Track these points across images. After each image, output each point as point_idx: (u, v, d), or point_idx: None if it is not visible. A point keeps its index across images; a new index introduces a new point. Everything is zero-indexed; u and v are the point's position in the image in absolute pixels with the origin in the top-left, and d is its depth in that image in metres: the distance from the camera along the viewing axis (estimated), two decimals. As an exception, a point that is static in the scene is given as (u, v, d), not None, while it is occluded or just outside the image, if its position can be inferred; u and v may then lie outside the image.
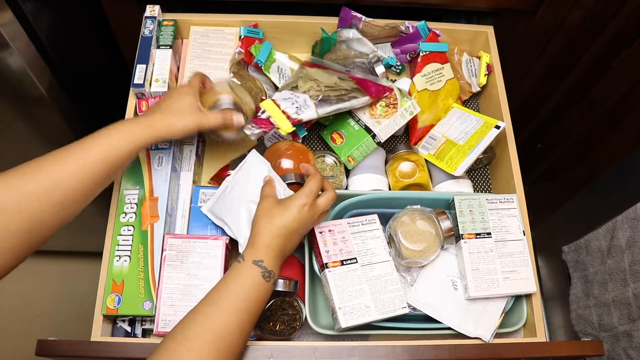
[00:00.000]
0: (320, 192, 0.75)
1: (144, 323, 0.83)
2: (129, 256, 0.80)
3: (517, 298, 0.83)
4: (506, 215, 0.84)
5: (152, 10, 0.97)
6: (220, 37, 1.01)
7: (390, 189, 0.93)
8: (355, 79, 0.89)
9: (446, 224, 0.82)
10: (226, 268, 0.81)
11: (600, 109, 1.14)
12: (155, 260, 0.80)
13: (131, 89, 0.92)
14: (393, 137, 1.00)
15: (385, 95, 0.90)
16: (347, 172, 0.94)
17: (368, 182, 0.91)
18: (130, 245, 0.80)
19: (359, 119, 0.91)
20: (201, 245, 0.80)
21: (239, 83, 0.94)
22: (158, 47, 0.96)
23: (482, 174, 1.02)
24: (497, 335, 0.80)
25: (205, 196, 0.88)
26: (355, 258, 0.79)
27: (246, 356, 0.73)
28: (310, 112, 0.85)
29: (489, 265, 0.80)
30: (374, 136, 0.90)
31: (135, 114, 0.92)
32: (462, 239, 0.81)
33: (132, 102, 0.94)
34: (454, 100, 1.00)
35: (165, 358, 0.60)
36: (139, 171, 0.85)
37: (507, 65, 1.05)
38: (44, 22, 0.96)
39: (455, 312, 0.80)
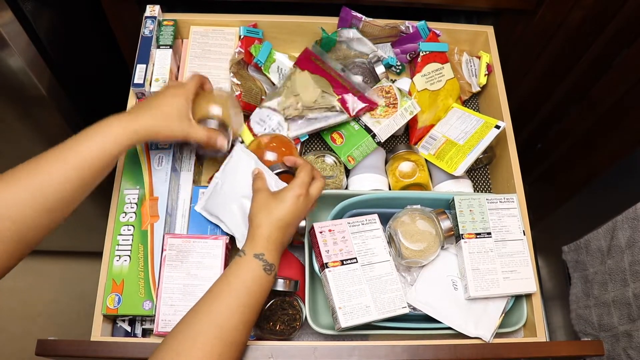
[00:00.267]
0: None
1: (144, 323, 0.83)
2: (129, 256, 0.80)
3: (517, 298, 0.83)
4: (506, 215, 0.84)
5: (152, 10, 0.97)
6: (220, 37, 1.01)
7: (390, 189, 0.93)
8: (340, 91, 0.87)
9: (446, 223, 0.82)
10: (226, 267, 0.81)
11: (600, 109, 1.14)
12: (155, 260, 0.80)
13: (131, 88, 0.92)
14: (393, 137, 1.00)
15: (367, 110, 0.89)
16: (347, 172, 0.94)
17: (368, 182, 0.91)
18: (130, 245, 0.80)
19: (359, 119, 0.91)
20: (201, 245, 0.80)
21: (239, 83, 0.94)
22: (158, 47, 0.96)
23: (482, 173, 1.02)
24: (497, 335, 0.80)
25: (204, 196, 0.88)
26: (356, 258, 0.79)
27: (246, 356, 0.73)
28: (283, 133, 0.90)
29: (489, 265, 0.80)
30: (373, 136, 0.90)
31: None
32: (462, 238, 0.81)
33: (132, 102, 0.94)
34: (454, 100, 1.00)
35: (170, 355, 0.61)
36: (139, 171, 0.85)
37: (507, 65, 1.05)
38: (44, 22, 0.96)
39: (456, 312, 0.80)
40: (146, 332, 0.83)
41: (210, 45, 1.01)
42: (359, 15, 1.00)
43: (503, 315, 0.80)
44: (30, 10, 0.91)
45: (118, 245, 0.81)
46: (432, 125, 0.99)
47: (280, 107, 0.92)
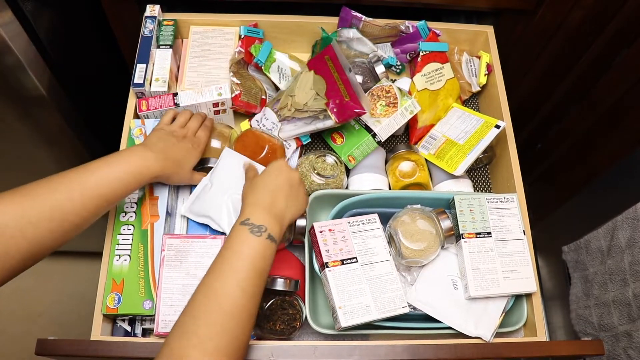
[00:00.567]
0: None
1: (144, 322, 0.83)
2: (129, 255, 0.80)
3: (518, 297, 0.83)
4: (506, 215, 0.84)
5: (152, 10, 0.98)
6: (220, 36, 1.02)
7: (390, 189, 0.93)
8: (332, 95, 0.87)
9: (446, 223, 0.82)
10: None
11: (600, 109, 1.14)
12: (155, 260, 0.80)
13: (131, 88, 0.92)
14: (393, 137, 1.00)
15: (353, 116, 0.87)
16: (348, 172, 0.94)
17: (368, 181, 0.91)
18: (130, 244, 0.80)
19: (359, 119, 0.91)
20: (200, 244, 0.80)
21: (239, 82, 0.94)
22: (158, 46, 0.97)
23: (482, 173, 1.02)
24: (498, 334, 0.80)
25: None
26: (356, 257, 0.79)
27: (246, 356, 0.72)
28: (274, 133, 0.93)
29: (489, 265, 0.80)
30: (374, 135, 0.90)
31: (135, 113, 0.92)
32: (463, 238, 0.81)
33: (132, 101, 0.94)
34: (454, 100, 1.00)
35: (178, 335, 0.60)
36: (139, 171, 0.85)
37: (507, 65, 1.05)
38: (44, 22, 0.96)
39: (456, 312, 0.80)
40: (146, 332, 0.83)
41: (210, 45, 1.01)
42: (359, 15, 1.00)
43: (503, 314, 0.80)
44: (30, 10, 0.91)
45: (118, 244, 0.81)
46: (432, 125, 0.99)
47: (277, 107, 0.92)
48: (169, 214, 0.85)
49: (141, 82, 0.91)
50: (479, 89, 1.04)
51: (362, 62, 0.98)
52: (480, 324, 0.79)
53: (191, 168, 0.82)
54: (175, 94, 0.91)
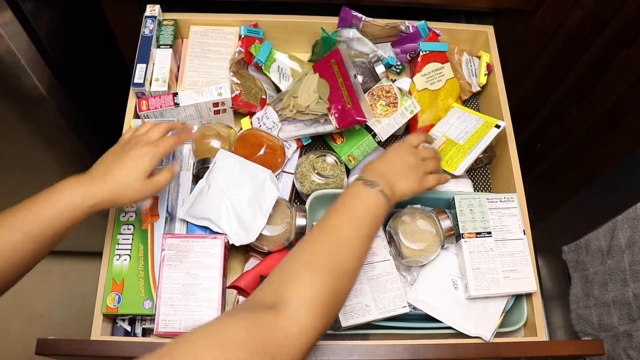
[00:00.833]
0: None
1: (144, 322, 0.82)
2: (129, 255, 0.80)
3: (518, 297, 0.83)
4: (506, 215, 0.84)
5: (152, 9, 0.98)
6: (220, 36, 1.02)
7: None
8: (334, 100, 0.87)
9: (446, 223, 0.82)
10: (225, 267, 0.81)
11: (600, 108, 1.14)
12: (156, 259, 0.80)
13: (131, 88, 0.92)
14: (393, 137, 1.00)
15: (354, 124, 0.87)
16: (348, 172, 0.94)
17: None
18: (130, 244, 0.80)
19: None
20: (200, 244, 0.80)
21: (239, 82, 0.94)
22: (158, 46, 0.97)
23: (482, 173, 1.02)
24: (498, 334, 0.80)
25: (205, 196, 0.88)
26: (356, 257, 0.79)
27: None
28: (274, 132, 0.92)
29: (489, 265, 0.80)
30: (374, 135, 0.90)
31: (135, 113, 0.92)
32: (463, 238, 0.81)
33: (132, 101, 0.94)
34: (454, 100, 1.00)
35: (292, 256, 0.63)
36: (139, 170, 0.85)
37: (507, 65, 1.05)
38: (44, 22, 0.96)
39: (456, 312, 0.80)
40: (146, 332, 0.83)
41: (210, 45, 1.01)
42: (359, 15, 1.00)
43: (503, 314, 0.80)
44: (30, 10, 0.91)
45: (118, 244, 0.81)
46: (432, 125, 0.99)
47: (279, 107, 0.92)
48: (169, 214, 0.85)
49: (141, 82, 0.91)
50: (479, 89, 1.04)
51: (362, 62, 0.98)
52: (481, 323, 0.79)
53: (139, 181, 0.71)
54: (175, 94, 0.91)
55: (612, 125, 1.13)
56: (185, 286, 0.78)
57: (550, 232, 1.50)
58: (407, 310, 0.77)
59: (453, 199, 0.84)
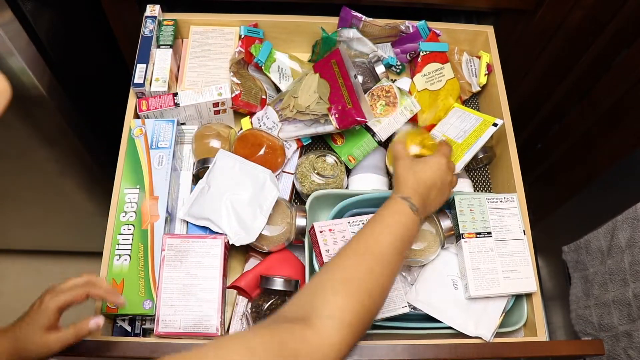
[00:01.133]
0: None
1: (144, 322, 0.82)
2: (129, 255, 0.80)
3: (518, 297, 0.83)
4: (506, 215, 0.84)
5: (152, 9, 0.98)
6: (220, 36, 1.02)
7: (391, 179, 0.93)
8: (335, 101, 0.87)
9: (446, 223, 0.82)
10: (225, 267, 0.81)
11: (600, 109, 1.14)
12: (156, 260, 0.80)
13: (131, 88, 0.92)
14: (393, 137, 1.00)
15: (354, 124, 0.87)
16: (348, 172, 0.94)
17: (368, 181, 0.91)
18: (131, 244, 0.80)
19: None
20: (200, 244, 0.80)
21: (239, 82, 0.94)
22: (158, 46, 0.97)
23: (482, 173, 1.02)
24: (498, 334, 0.80)
25: (205, 196, 0.88)
26: (356, 257, 0.79)
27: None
28: (274, 132, 0.92)
29: (490, 265, 0.80)
30: (373, 135, 0.90)
31: (135, 113, 0.92)
32: (463, 238, 0.81)
33: (132, 101, 0.94)
34: (454, 100, 1.00)
35: (323, 271, 0.63)
36: (139, 170, 0.85)
37: (507, 65, 1.05)
38: (44, 22, 0.96)
39: (456, 312, 0.80)
40: (146, 332, 0.83)
41: (210, 45, 1.01)
42: (359, 15, 1.00)
43: (503, 314, 0.80)
44: (30, 10, 0.91)
45: (118, 244, 0.80)
46: (432, 125, 0.99)
47: (279, 107, 0.92)
48: (169, 214, 0.85)
49: (141, 82, 0.91)
50: (479, 89, 1.04)
51: (362, 62, 0.98)
52: (480, 323, 0.79)
53: (40, 331, 0.68)
54: (175, 94, 0.91)
55: (612, 125, 1.13)
56: (185, 286, 0.78)
57: (550, 232, 1.50)
58: (407, 310, 0.77)
59: (453, 199, 0.84)
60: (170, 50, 0.96)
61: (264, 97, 0.97)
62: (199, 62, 0.99)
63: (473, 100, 1.08)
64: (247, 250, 0.88)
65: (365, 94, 0.93)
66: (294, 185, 0.93)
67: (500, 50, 1.04)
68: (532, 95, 1.28)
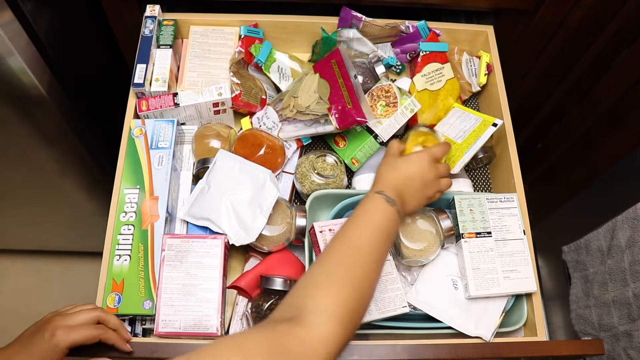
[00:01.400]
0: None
1: (144, 322, 0.82)
2: (129, 255, 0.80)
3: (518, 297, 0.83)
4: (506, 215, 0.84)
5: (152, 9, 0.98)
6: (220, 36, 1.02)
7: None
8: (335, 101, 0.87)
9: (446, 223, 0.82)
10: (225, 267, 0.81)
11: (600, 109, 1.14)
12: (156, 260, 0.80)
13: (131, 88, 0.92)
14: (394, 137, 1.00)
15: (354, 124, 0.87)
16: (350, 172, 0.95)
17: (368, 181, 0.91)
18: (131, 244, 0.80)
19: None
20: (200, 244, 0.80)
21: (239, 82, 0.94)
22: (158, 46, 0.97)
23: (482, 173, 1.02)
24: (498, 334, 0.80)
25: (205, 196, 0.88)
26: (356, 257, 0.79)
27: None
28: (274, 132, 0.93)
29: (490, 265, 0.80)
30: (375, 137, 0.90)
31: (135, 113, 0.92)
32: (463, 238, 0.81)
33: (132, 101, 0.94)
34: (454, 100, 1.00)
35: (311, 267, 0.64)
36: (139, 171, 0.85)
37: (507, 65, 1.05)
38: (44, 22, 0.96)
39: (456, 312, 0.80)
40: (146, 332, 0.83)
41: (210, 45, 1.01)
42: (359, 15, 1.00)
43: (503, 314, 0.80)
44: (30, 10, 0.91)
45: (118, 244, 0.80)
46: (432, 125, 0.99)
47: (279, 107, 0.92)
48: (169, 214, 0.85)
49: (141, 82, 0.91)
50: (479, 89, 1.04)
51: (362, 62, 0.98)
52: (480, 323, 0.79)
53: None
54: (175, 94, 0.91)
55: (612, 125, 1.13)
56: (185, 286, 0.78)
57: (550, 232, 1.50)
58: (407, 310, 0.77)
59: (453, 199, 0.84)
60: (170, 50, 0.96)
61: (264, 97, 0.97)
62: (199, 62, 0.99)
63: (473, 100, 1.08)
64: (247, 250, 0.88)
65: (365, 94, 0.93)
66: (294, 185, 0.93)
67: (500, 50, 1.04)
68: (532, 95, 1.28)
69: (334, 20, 1.02)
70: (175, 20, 1.00)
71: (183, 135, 0.94)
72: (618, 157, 1.14)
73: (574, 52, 1.12)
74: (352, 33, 0.99)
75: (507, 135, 0.95)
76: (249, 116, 0.96)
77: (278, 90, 1.00)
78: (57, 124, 1.08)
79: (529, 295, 0.83)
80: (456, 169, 0.89)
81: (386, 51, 1.05)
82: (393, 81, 0.96)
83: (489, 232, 0.82)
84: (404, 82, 1.00)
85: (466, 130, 0.93)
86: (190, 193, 0.88)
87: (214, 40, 1.01)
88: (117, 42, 1.12)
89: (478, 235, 0.82)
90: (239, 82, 0.94)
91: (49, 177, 1.25)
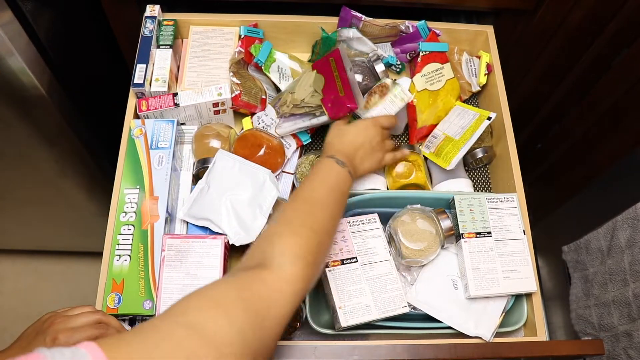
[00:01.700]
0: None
1: (144, 322, 0.82)
2: (129, 255, 0.80)
3: (518, 297, 0.83)
4: (506, 215, 0.84)
5: (152, 10, 0.98)
6: (220, 36, 1.02)
7: (388, 189, 0.93)
8: (328, 92, 0.87)
9: (446, 223, 0.82)
10: (225, 267, 0.81)
11: (600, 109, 1.14)
12: (156, 260, 0.80)
13: (131, 88, 0.92)
14: (392, 137, 1.00)
15: (347, 112, 0.86)
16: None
17: (368, 181, 0.91)
18: (131, 244, 0.80)
19: (354, 114, 0.91)
20: (200, 244, 0.80)
21: (239, 82, 0.94)
22: (158, 46, 0.97)
23: (482, 173, 1.02)
24: (498, 334, 0.80)
25: (205, 196, 0.88)
26: (356, 257, 0.79)
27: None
28: (272, 129, 0.93)
29: (489, 265, 0.80)
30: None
31: (135, 113, 0.92)
32: (463, 238, 0.81)
33: (132, 101, 0.94)
34: (454, 100, 1.00)
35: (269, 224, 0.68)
36: (139, 171, 0.85)
37: (507, 65, 1.05)
38: (44, 22, 0.96)
39: (456, 311, 0.80)
40: (146, 332, 0.83)
41: (210, 45, 1.01)
42: (359, 15, 1.00)
43: (503, 314, 0.80)
44: (30, 10, 0.91)
45: (118, 244, 0.80)
46: (432, 125, 0.99)
47: (279, 104, 0.92)
48: (169, 214, 0.85)
49: (141, 82, 0.91)
50: (479, 88, 1.04)
51: (361, 61, 0.98)
52: (480, 323, 0.79)
53: None
54: (175, 94, 0.91)
55: (612, 125, 1.13)
56: (185, 286, 0.78)
57: (550, 232, 1.50)
58: (407, 310, 0.77)
59: (453, 199, 0.84)
60: (170, 50, 0.96)
61: (263, 97, 0.97)
62: (199, 62, 0.99)
63: (473, 100, 1.08)
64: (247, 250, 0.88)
65: (365, 94, 0.93)
66: (294, 185, 0.93)
67: (500, 50, 1.04)
68: (532, 95, 1.28)
69: (334, 20, 1.02)
70: (175, 20, 1.00)
71: (183, 135, 0.94)
72: (618, 157, 1.14)
73: (573, 52, 1.12)
74: (352, 33, 0.99)
75: (507, 135, 0.95)
76: (250, 116, 0.96)
77: (278, 90, 1.00)
78: (57, 124, 1.08)
79: (529, 295, 0.83)
80: (451, 165, 0.89)
81: (386, 51, 1.05)
82: (393, 80, 0.96)
83: (489, 232, 0.82)
84: (403, 81, 1.00)
85: (464, 127, 0.93)
86: (190, 193, 0.88)
87: (213, 40, 1.01)
88: (117, 42, 1.12)
89: (478, 235, 0.82)
90: (238, 82, 0.94)
91: (49, 177, 1.25)
